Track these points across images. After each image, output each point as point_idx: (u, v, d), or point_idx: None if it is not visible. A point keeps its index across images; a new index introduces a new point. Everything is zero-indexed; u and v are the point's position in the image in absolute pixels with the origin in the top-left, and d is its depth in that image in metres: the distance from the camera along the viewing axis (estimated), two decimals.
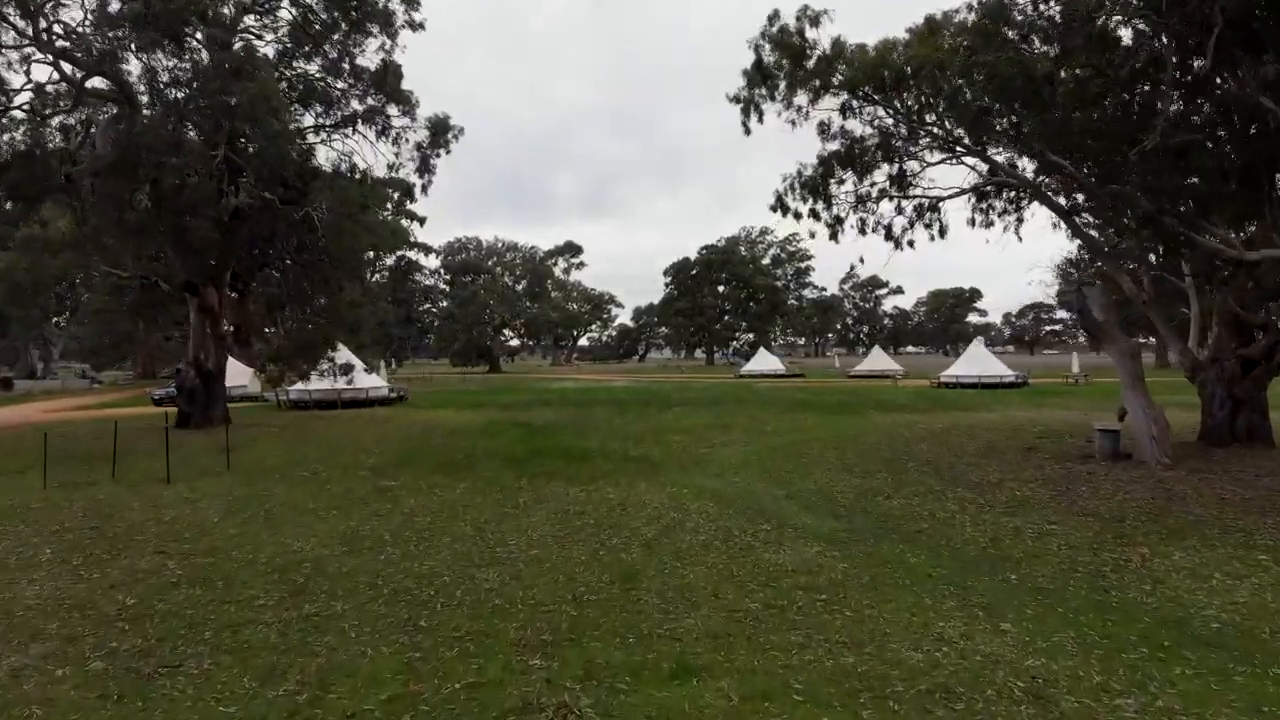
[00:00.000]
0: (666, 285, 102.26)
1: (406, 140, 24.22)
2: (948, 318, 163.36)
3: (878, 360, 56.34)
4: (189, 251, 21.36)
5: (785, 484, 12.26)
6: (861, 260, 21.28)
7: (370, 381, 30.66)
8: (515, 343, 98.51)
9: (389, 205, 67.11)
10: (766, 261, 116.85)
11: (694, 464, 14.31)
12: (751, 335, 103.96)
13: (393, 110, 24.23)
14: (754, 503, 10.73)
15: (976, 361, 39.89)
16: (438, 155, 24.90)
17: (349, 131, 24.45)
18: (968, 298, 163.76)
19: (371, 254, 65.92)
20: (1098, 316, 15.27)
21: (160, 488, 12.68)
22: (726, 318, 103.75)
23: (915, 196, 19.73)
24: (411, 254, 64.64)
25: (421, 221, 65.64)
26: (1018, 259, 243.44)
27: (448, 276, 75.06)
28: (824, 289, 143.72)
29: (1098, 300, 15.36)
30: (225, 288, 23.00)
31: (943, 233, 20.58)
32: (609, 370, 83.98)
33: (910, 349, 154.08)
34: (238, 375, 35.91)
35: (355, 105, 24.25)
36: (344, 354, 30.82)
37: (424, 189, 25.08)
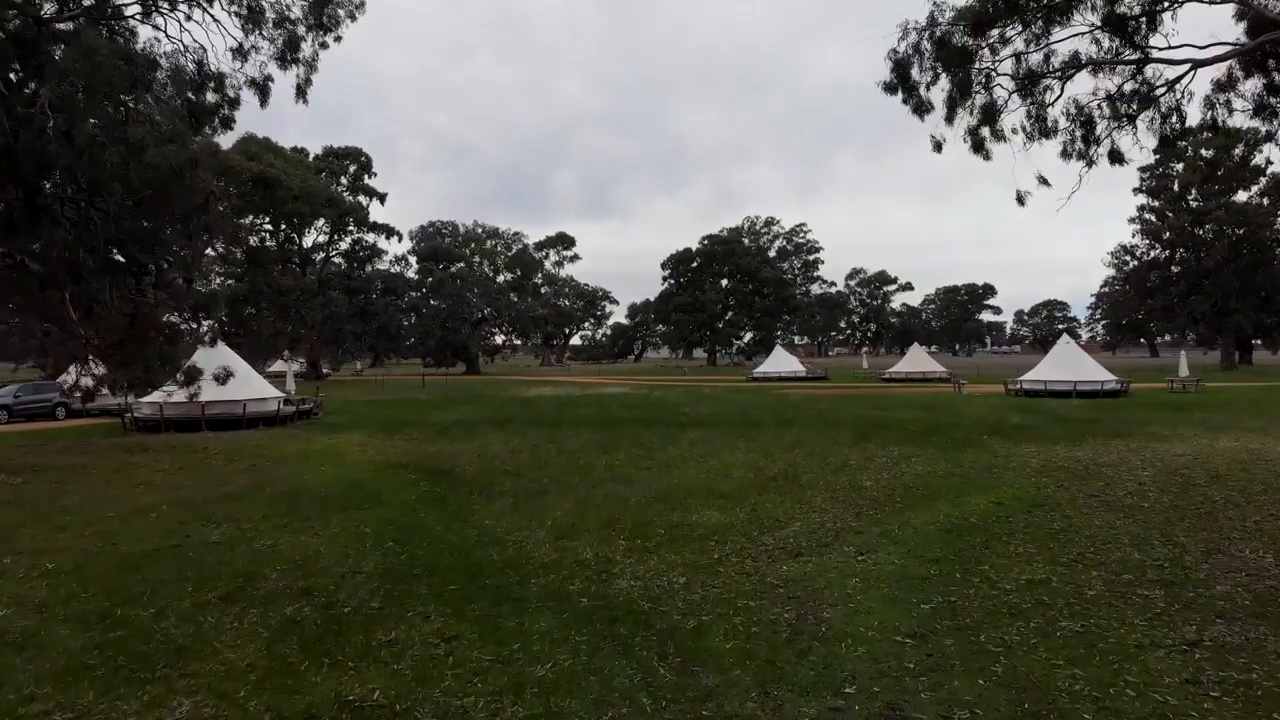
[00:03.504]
0: (665, 278, 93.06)
1: (266, 17, 15.29)
2: (959, 315, 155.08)
3: (918, 360, 47.41)
4: None
5: None
6: (1043, 181, 12.20)
7: (254, 391, 21.66)
8: (500, 339, 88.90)
9: (343, 180, 57.98)
10: (772, 254, 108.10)
11: (792, 650, 5.34)
12: (753, 333, 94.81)
13: None
14: None
15: (1067, 363, 31.04)
16: (322, 41, 15.95)
17: (186, 7, 15.54)
18: (980, 294, 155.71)
19: (326, 237, 56.49)
20: None
21: None
22: (730, 314, 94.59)
23: (1151, 60, 10.84)
24: (369, 236, 55.42)
25: (382, 199, 56.62)
26: (1024, 257, 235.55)
27: (416, 265, 65.77)
28: (833, 283, 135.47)
29: None
30: None
31: (1171, 137, 11.75)
32: (602, 371, 74.90)
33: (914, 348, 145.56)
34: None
35: None
36: (220, 353, 21.93)
37: (299, 93, 16.02)
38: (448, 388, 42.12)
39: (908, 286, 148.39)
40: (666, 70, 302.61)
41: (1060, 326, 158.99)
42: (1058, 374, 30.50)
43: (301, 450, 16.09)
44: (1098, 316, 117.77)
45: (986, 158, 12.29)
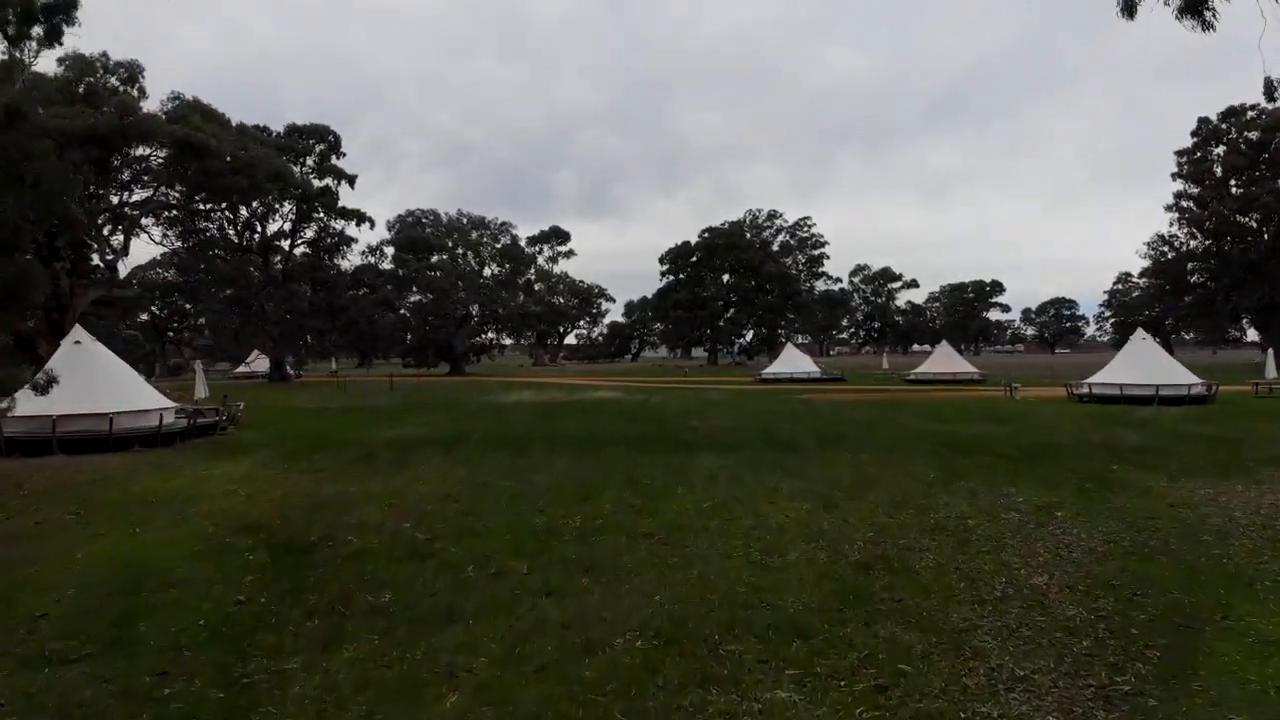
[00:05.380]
0: (664, 273, 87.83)
1: None
2: (965, 313, 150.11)
3: (948, 360, 42.40)
4: None
5: None
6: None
7: (128, 402, 16.61)
8: (492, 337, 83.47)
9: (309, 161, 52.70)
10: (775, 249, 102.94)
11: None
12: (755, 331, 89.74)
13: None
14: None
15: (1143, 363, 26.12)
16: None
17: None
18: (988, 291, 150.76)
19: (291, 224, 50.93)
20: None
21: None
22: (732, 311, 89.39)
23: None
24: (338, 223, 50.13)
25: (351, 181, 51.16)
26: (1029, 256, 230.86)
27: (393, 256, 60.41)
28: (838, 279, 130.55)
29: None
30: None
31: None
32: (597, 372, 69.81)
33: (915, 347, 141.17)
34: None
35: None
36: (89, 351, 17.14)
37: None
38: (415, 392, 37.10)
39: (913, 284, 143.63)
40: (667, 70, 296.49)
41: (1067, 325, 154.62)
42: (1133, 376, 25.59)
43: (147, 491, 11.10)
44: (1108, 315, 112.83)
45: (1205, 26, 7.41)
